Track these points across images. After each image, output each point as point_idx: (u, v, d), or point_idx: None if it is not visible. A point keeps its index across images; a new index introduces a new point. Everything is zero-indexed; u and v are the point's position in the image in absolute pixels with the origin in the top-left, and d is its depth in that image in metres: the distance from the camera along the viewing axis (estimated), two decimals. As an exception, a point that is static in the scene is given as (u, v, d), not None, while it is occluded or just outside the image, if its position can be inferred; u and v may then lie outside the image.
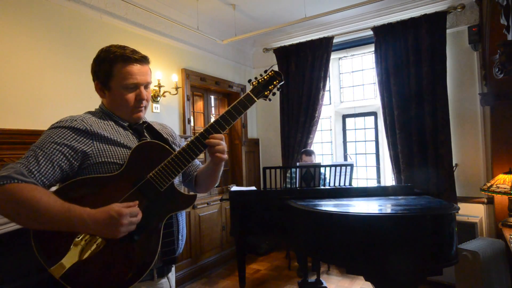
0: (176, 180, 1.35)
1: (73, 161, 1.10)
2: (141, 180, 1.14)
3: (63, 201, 1.01)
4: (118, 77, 1.20)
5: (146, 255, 1.12)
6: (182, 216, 1.34)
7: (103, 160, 1.14)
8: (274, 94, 1.38)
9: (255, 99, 1.31)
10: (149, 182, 1.15)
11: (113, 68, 1.20)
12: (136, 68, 1.21)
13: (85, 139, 1.14)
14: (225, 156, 1.27)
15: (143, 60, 1.24)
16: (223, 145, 1.26)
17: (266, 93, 1.34)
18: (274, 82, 1.35)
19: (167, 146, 1.23)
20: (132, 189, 1.13)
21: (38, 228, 1.03)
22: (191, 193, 1.35)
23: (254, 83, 1.34)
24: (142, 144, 1.20)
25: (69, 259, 1.01)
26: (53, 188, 1.12)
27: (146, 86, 1.26)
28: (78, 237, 1.03)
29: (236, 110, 1.27)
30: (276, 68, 4.77)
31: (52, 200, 1.00)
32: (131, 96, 1.22)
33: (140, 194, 1.13)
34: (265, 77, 1.35)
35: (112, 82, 1.21)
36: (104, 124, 1.22)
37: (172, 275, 1.33)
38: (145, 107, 1.29)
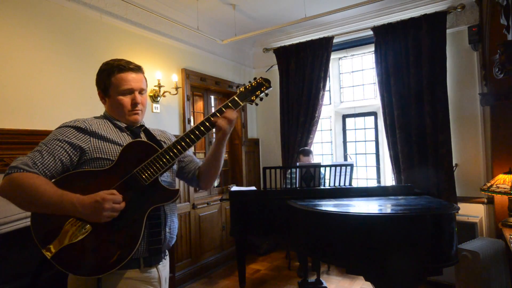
0: (170, 179, 1.45)
1: (72, 156, 1.25)
2: (127, 174, 1.27)
3: (58, 188, 1.17)
4: (115, 84, 1.36)
5: (129, 241, 1.22)
6: (172, 212, 1.42)
7: (97, 156, 1.28)
8: (261, 99, 1.51)
9: (241, 103, 1.44)
10: (134, 176, 1.27)
11: (110, 77, 1.36)
12: (130, 75, 1.37)
13: (83, 136, 1.29)
14: (227, 126, 1.38)
15: (137, 69, 1.40)
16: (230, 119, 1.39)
17: (252, 98, 1.47)
18: (262, 88, 1.48)
19: (155, 145, 1.34)
20: (118, 182, 1.25)
21: (37, 211, 1.18)
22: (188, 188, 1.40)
23: (241, 88, 1.48)
24: (132, 142, 1.33)
25: (60, 242, 1.16)
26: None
27: (141, 91, 1.41)
28: (68, 223, 1.18)
29: (221, 113, 1.40)
30: (276, 68, 4.78)
31: (49, 187, 1.16)
32: (127, 100, 1.37)
33: (126, 187, 1.25)
34: (253, 84, 1.49)
35: (111, 89, 1.37)
36: (104, 125, 1.36)
37: (163, 266, 1.40)
38: (141, 111, 1.42)
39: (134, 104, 1.37)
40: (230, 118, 1.39)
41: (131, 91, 1.37)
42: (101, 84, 1.39)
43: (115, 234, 1.21)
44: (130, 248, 1.21)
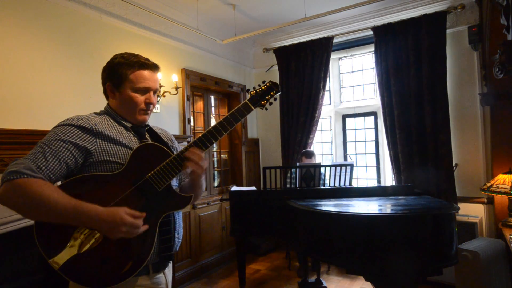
0: (175, 182, 1.39)
1: (78, 158, 1.17)
2: (140, 179, 1.20)
3: (70, 197, 1.07)
4: (132, 80, 1.28)
5: (142, 251, 1.17)
6: (179, 215, 1.39)
7: (105, 158, 1.20)
8: (271, 103, 1.46)
9: (252, 108, 1.39)
10: (147, 182, 1.21)
11: (128, 72, 1.28)
12: (148, 73, 1.31)
13: (89, 137, 1.20)
14: (199, 171, 1.28)
15: (155, 67, 1.34)
16: (202, 161, 1.27)
17: (263, 102, 1.44)
18: (271, 93, 1.44)
19: (166, 149, 1.28)
20: (131, 188, 1.19)
21: (44, 220, 1.09)
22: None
23: (252, 92, 1.42)
24: (143, 145, 1.26)
25: (68, 252, 1.09)
26: (58, 183, 1.17)
27: (155, 92, 1.35)
28: (77, 231, 1.11)
29: (234, 117, 1.34)
30: (276, 68, 4.78)
31: (61, 195, 1.07)
32: (141, 99, 1.30)
33: (138, 193, 1.20)
34: (263, 87, 1.43)
35: (125, 84, 1.28)
36: (108, 124, 1.28)
37: (169, 271, 1.38)
38: (151, 112, 1.37)
39: (148, 104, 1.31)
40: (194, 160, 1.25)
41: (147, 90, 1.30)
42: (114, 76, 1.29)
43: (128, 243, 1.14)
44: (143, 257, 1.16)
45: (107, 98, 1.37)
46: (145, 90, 1.30)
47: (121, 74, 1.28)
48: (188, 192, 1.42)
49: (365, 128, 4.57)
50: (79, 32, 2.90)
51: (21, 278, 2.30)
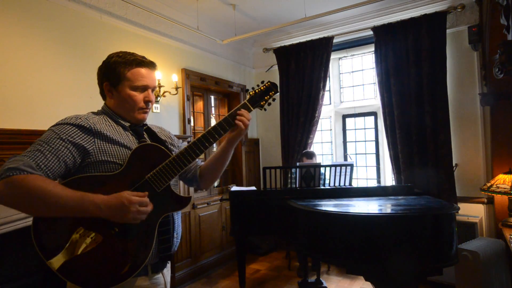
0: (173, 181, 1.38)
1: (76, 157, 1.15)
2: (139, 180, 1.19)
3: (74, 190, 1.08)
4: (130, 78, 1.27)
5: (141, 251, 1.17)
6: (178, 215, 1.39)
7: (103, 159, 1.19)
8: (269, 104, 1.47)
9: (251, 108, 1.40)
10: (146, 182, 1.21)
11: (125, 71, 1.27)
12: (146, 71, 1.30)
13: (87, 137, 1.18)
14: (245, 128, 1.35)
15: (152, 65, 1.33)
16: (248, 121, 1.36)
17: (262, 103, 1.44)
18: (270, 93, 1.44)
19: (165, 149, 1.28)
20: (130, 189, 1.18)
21: (47, 215, 1.09)
22: (191, 193, 1.36)
23: (251, 93, 1.42)
24: (142, 146, 1.25)
25: (67, 253, 1.08)
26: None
27: (153, 89, 1.35)
28: (76, 232, 1.10)
29: (233, 118, 1.35)
30: (276, 68, 4.78)
31: (62, 188, 1.07)
32: (140, 97, 1.29)
33: None
34: (262, 88, 1.43)
35: (123, 83, 1.27)
36: (106, 124, 1.27)
37: (167, 271, 1.38)
38: (149, 110, 1.36)
39: (147, 102, 1.30)
40: (247, 118, 1.35)
41: (145, 88, 1.29)
42: (111, 75, 1.27)
43: (127, 244, 1.15)
44: (142, 258, 1.17)
45: (104, 98, 1.36)
46: (143, 88, 1.29)
47: (119, 72, 1.26)
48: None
49: (365, 128, 4.57)
50: (79, 32, 2.90)
51: (21, 278, 2.30)
